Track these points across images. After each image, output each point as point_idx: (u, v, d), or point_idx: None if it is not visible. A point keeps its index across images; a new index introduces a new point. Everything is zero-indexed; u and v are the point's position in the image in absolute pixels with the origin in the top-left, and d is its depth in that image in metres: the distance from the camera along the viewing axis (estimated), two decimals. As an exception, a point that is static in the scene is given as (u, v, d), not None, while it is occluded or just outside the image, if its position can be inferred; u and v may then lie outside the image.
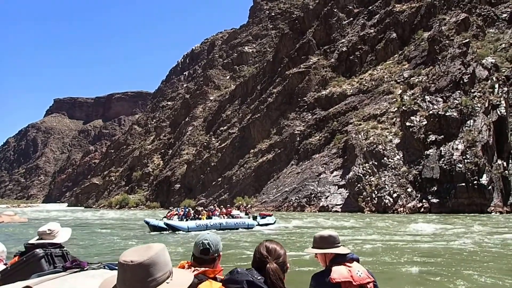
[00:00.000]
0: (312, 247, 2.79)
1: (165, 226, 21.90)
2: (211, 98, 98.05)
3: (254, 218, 24.79)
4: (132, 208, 74.60)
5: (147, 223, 22.98)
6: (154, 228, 21.93)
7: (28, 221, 34.76)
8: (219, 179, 65.05)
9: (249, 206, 36.93)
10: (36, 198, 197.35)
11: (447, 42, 45.16)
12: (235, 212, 26.10)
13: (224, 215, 24.56)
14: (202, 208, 27.59)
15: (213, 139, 78.85)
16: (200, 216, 23.52)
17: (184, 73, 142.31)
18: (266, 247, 2.05)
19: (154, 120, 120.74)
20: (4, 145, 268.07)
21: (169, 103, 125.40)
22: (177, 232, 21.23)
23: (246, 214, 25.95)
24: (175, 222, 22.68)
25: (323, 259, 2.73)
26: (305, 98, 61.81)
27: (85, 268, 2.13)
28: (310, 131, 56.07)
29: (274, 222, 25.10)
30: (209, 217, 23.54)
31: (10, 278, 2.32)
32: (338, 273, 2.51)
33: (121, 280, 1.30)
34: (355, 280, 2.48)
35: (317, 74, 63.38)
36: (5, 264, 2.65)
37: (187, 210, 24.87)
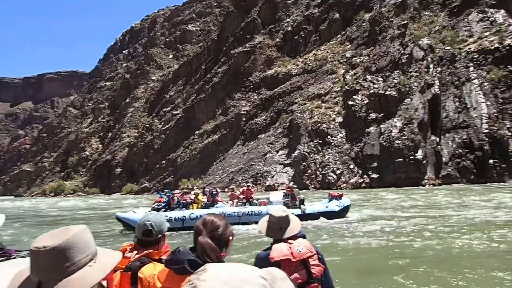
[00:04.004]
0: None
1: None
2: (153, 78, 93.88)
3: (302, 202, 15.08)
4: (68, 195, 69.91)
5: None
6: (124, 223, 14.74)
7: None
8: (163, 161, 62.92)
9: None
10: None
11: (386, 23, 46.50)
12: (272, 195, 16.41)
13: (236, 200, 15.66)
14: (199, 190, 17.67)
15: (156, 120, 75.84)
16: (185, 202, 14.98)
17: (124, 52, 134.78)
18: (202, 220, 1.82)
19: (91, 102, 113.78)
20: None
21: (107, 83, 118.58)
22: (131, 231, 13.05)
23: (292, 197, 15.18)
24: (129, 214, 15.04)
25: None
26: (250, 78, 61.04)
27: (12, 256, 1.95)
28: (256, 111, 55.66)
29: (345, 208, 14.74)
30: (207, 206, 14.96)
31: None
32: (278, 251, 2.40)
33: (34, 268, 1.08)
34: (295, 257, 2.36)
35: (262, 53, 62.71)
36: None
37: (170, 195, 15.66)
